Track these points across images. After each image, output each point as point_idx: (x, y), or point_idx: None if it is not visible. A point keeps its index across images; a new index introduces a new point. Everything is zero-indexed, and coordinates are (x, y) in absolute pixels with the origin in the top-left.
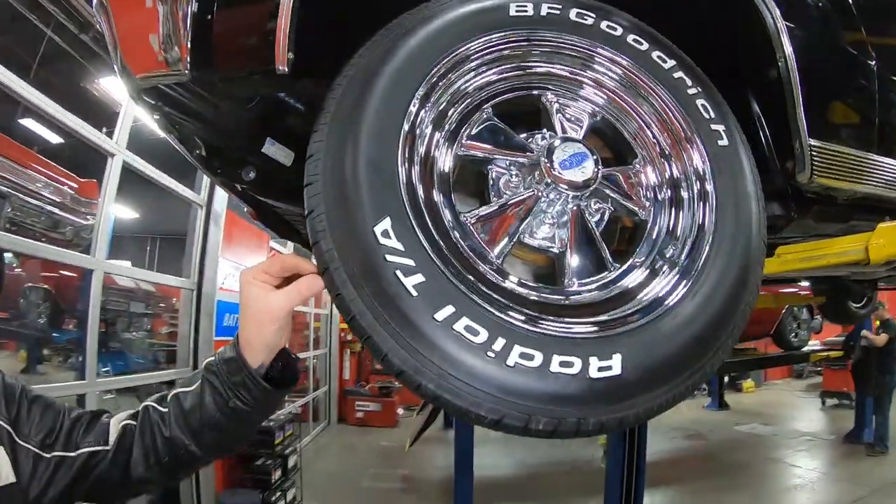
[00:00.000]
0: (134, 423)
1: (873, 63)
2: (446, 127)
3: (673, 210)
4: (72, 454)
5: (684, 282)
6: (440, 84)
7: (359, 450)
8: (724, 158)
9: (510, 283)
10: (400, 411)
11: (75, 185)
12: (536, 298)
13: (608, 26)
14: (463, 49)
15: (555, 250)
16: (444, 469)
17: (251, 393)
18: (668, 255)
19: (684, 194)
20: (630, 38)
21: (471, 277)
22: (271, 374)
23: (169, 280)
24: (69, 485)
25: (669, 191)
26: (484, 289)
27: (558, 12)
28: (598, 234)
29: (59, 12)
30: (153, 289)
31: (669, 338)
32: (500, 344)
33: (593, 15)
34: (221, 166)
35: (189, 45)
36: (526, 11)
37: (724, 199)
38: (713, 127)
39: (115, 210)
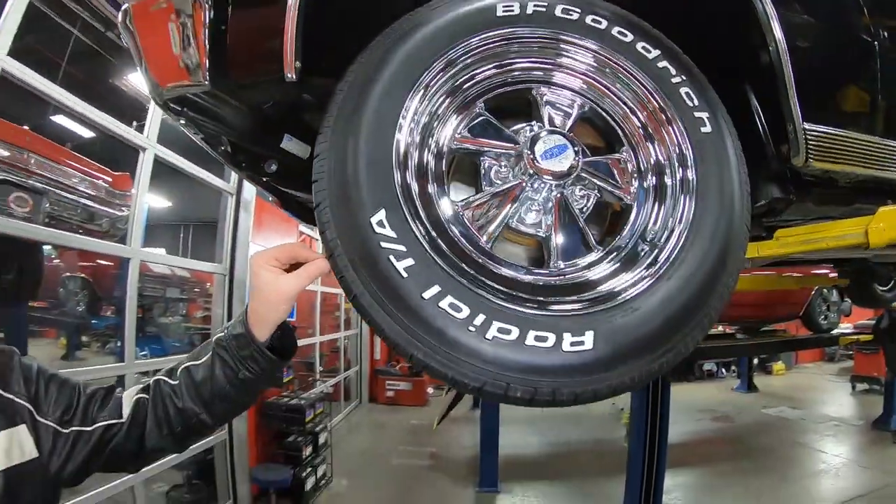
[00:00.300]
0: (146, 396)
1: (875, 43)
2: (439, 124)
3: (657, 195)
4: (88, 429)
5: (661, 264)
6: (432, 85)
7: (389, 428)
8: (706, 145)
9: (495, 265)
10: (430, 390)
11: (109, 179)
12: (520, 279)
13: (593, 20)
14: (454, 50)
15: (542, 234)
16: (471, 447)
17: (259, 364)
18: (649, 239)
19: (668, 180)
20: (615, 30)
21: (457, 260)
22: (273, 346)
23: (202, 266)
24: (87, 458)
25: (654, 177)
26: (469, 270)
27: (544, 9)
28: (581, 219)
29: (84, 11)
30: (188, 275)
31: (642, 317)
32: (480, 319)
33: (578, 10)
34: (245, 161)
35: (207, 58)
36: (512, 10)
37: (706, 184)
38: (696, 114)
39: (148, 200)
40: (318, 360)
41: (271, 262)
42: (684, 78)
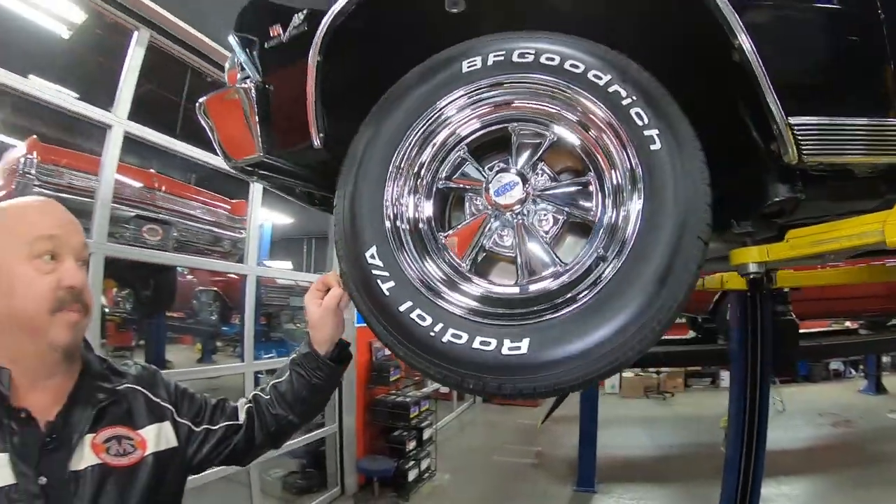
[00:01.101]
0: (252, 405)
1: (881, 14)
2: (425, 173)
3: (613, 210)
4: (214, 427)
5: (601, 283)
6: (414, 144)
7: (498, 427)
8: (655, 162)
9: (466, 284)
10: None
11: (228, 206)
12: (480, 293)
13: (547, 58)
14: (432, 109)
15: (511, 254)
16: (576, 448)
17: (324, 372)
18: (600, 255)
19: (623, 195)
20: (567, 64)
21: (429, 280)
22: (333, 357)
23: (312, 277)
24: (211, 451)
25: (612, 194)
26: (437, 287)
27: (502, 57)
28: (544, 239)
29: (196, 58)
30: (309, 285)
31: (577, 327)
32: (437, 327)
33: (532, 52)
34: (318, 199)
35: (258, 137)
36: (475, 65)
37: (653, 201)
38: (646, 133)
39: (271, 219)
40: None
41: (314, 294)
42: (634, 98)
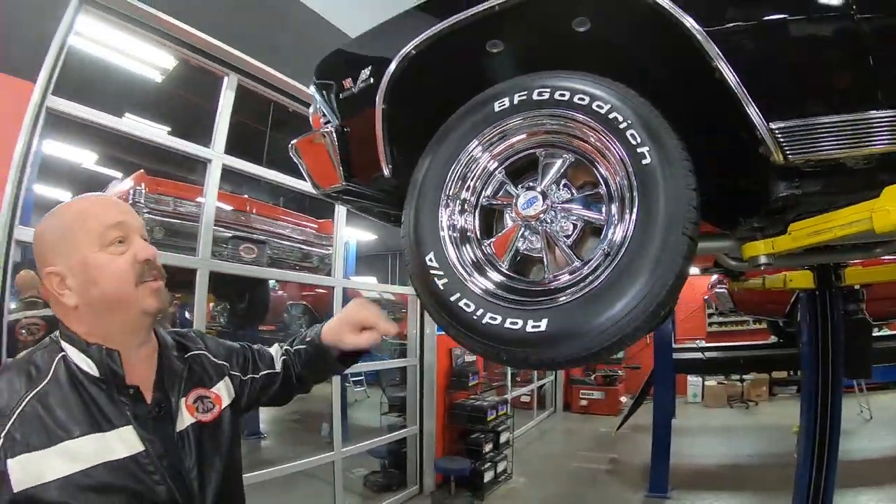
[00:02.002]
0: (286, 357)
1: (854, 14)
2: (469, 193)
3: (616, 217)
4: (257, 376)
5: (604, 273)
6: (461, 171)
7: (577, 434)
8: (647, 174)
9: (500, 277)
10: (623, 399)
11: (315, 226)
12: (511, 285)
13: (559, 94)
14: (473, 141)
15: (539, 255)
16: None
17: (320, 353)
18: (606, 251)
19: (624, 202)
20: (576, 98)
21: (475, 276)
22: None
23: (396, 289)
24: (256, 396)
25: (616, 202)
26: (480, 282)
27: (526, 96)
28: (562, 244)
29: (277, 95)
30: (394, 297)
31: (585, 310)
32: (479, 312)
33: (549, 89)
34: (392, 217)
35: (339, 169)
36: (506, 104)
37: (645, 205)
38: (639, 150)
39: (355, 236)
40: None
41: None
42: (630, 123)
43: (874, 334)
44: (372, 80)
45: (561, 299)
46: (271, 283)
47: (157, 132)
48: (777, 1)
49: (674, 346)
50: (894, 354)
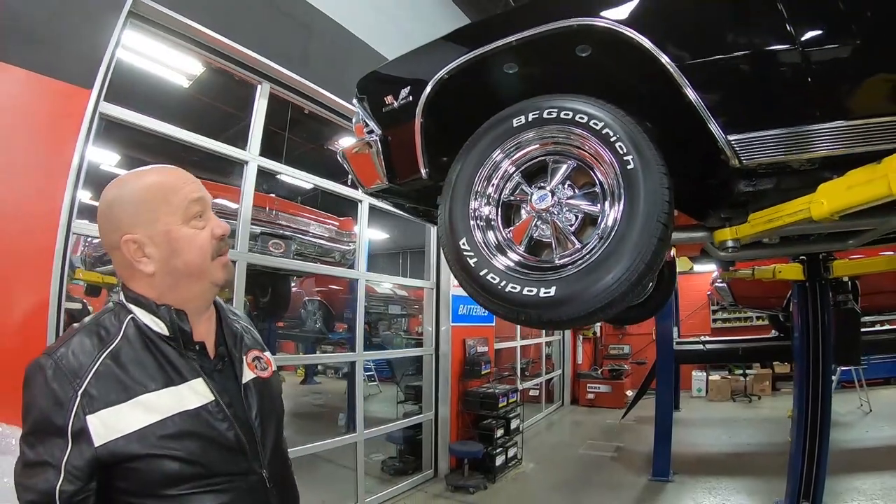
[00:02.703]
0: None
1: (794, 45)
2: (491, 191)
3: (608, 209)
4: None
5: (598, 252)
6: (487, 173)
7: (584, 426)
8: (629, 175)
9: (518, 257)
10: (629, 393)
11: (337, 223)
12: (527, 262)
13: (564, 113)
14: (497, 150)
15: (549, 241)
16: None
17: None
18: (599, 236)
19: (611, 198)
20: (577, 116)
21: (498, 256)
22: None
23: (413, 282)
24: None
25: (608, 198)
26: (502, 260)
27: (538, 114)
28: (569, 230)
29: (300, 99)
30: (406, 294)
31: (583, 279)
32: (503, 283)
33: (556, 109)
34: (422, 213)
35: (382, 171)
36: (522, 121)
37: (629, 200)
38: (625, 157)
39: (370, 235)
40: (519, 360)
41: None
42: (617, 135)
43: (877, 328)
44: (411, 97)
45: (565, 272)
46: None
47: (200, 137)
48: (734, 40)
49: (677, 340)
50: (876, 345)
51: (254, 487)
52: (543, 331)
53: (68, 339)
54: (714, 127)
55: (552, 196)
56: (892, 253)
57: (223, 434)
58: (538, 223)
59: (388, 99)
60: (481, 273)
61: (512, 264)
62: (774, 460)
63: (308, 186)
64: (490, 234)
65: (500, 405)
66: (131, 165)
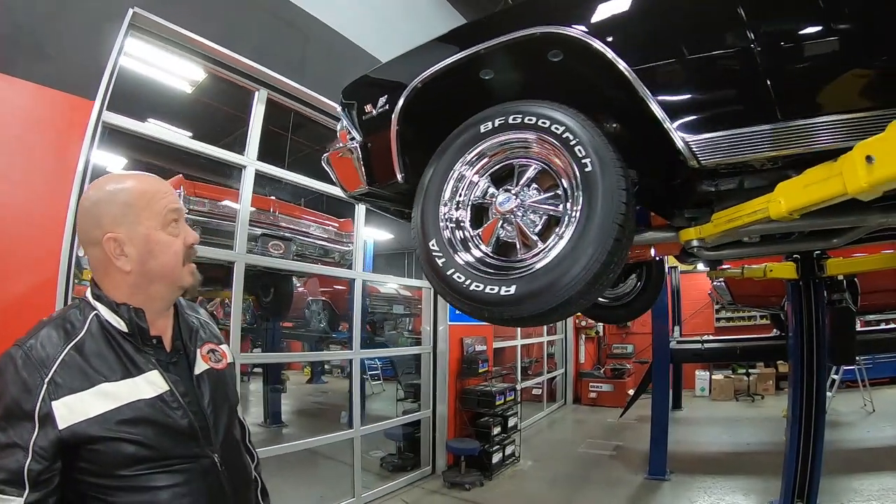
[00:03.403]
0: None
1: (752, 45)
2: (461, 195)
3: (569, 210)
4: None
5: (556, 252)
6: (456, 177)
7: (585, 424)
8: (587, 177)
9: (483, 257)
10: (631, 392)
11: (336, 224)
12: (491, 262)
13: (528, 119)
14: (466, 154)
15: (513, 240)
16: None
17: None
18: (559, 236)
19: (572, 200)
20: (540, 121)
21: (465, 257)
22: None
23: (411, 282)
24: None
25: (570, 200)
26: (468, 260)
27: (504, 120)
28: (530, 232)
29: (298, 105)
30: (410, 294)
31: (540, 278)
32: (467, 282)
33: (520, 114)
34: (405, 216)
35: (363, 176)
36: (489, 126)
37: (587, 202)
38: (583, 160)
39: (373, 236)
40: (519, 359)
41: None
42: (577, 140)
43: (882, 327)
44: (388, 106)
45: (525, 271)
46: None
47: (199, 143)
48: (690, 44)
49: (678, 339)
50: (871, 345)
51: (206, 469)
52: (545, 330)
53: (37, 331)
54: (671, 129)
55: (515, 198)
56: (892, 251)
57: (177, 421)
58: (504, 224)
59: (368, 108)
60: (448, 272)
61: (477, 264)
62: (773, 460)
63: (319, 191)
64: (458, 235)
65: (498, 403)
66: (138, 168)
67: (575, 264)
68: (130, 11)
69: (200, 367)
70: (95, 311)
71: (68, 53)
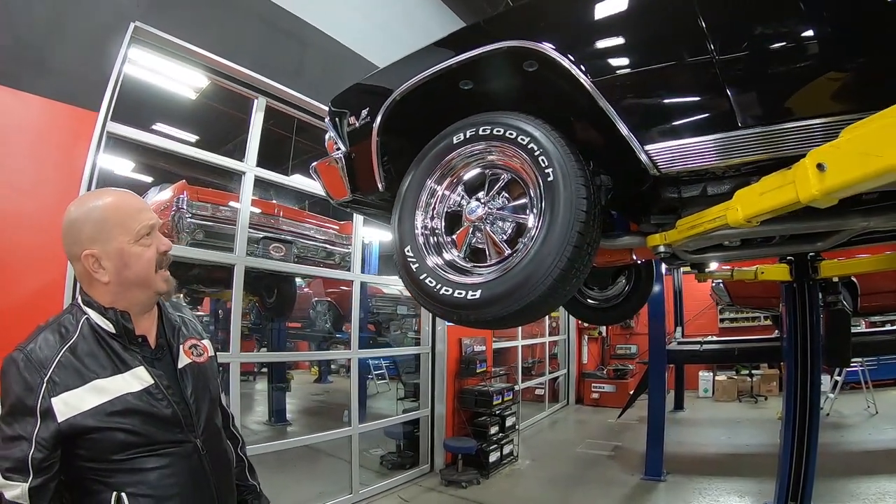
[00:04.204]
0: None
1: (710, 56)
2: (436, 202)
3: (532, 218)
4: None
5: (520, 258)
6: (431, 186)
7: (586, 425)
8: (549, 186)
9: (452, 260)
10: (632, 392)
11: (336, 227)
12: (460, 266)
13: (496, 129)
14: (442, 163)
15: (483, 247)
16: None
17: None
18: (524, 243)
19: (537, 209)
20: (507, 132)
21: (437, 262)
22: None
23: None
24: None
25: (534, 207)
26: (439, 265)
27: (475, 131)
28: (498, 239)
29: (297, 112)
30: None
31: (503, 283)
32: (438, 286)
33: (489, 126)
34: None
35: (347, 185)
36: (461, 137)
37: (549, 210)
38: (546, 170)
39: (378, 237)
40: (520, 359)
41: None
42: (541, 150)
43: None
44: (369, 118)
45: (490, 277)
46: (298, 281)
47: (199, 151)
48: (648, 52)
49: (679, 340)
50: (867, 347)
51: (189, 453)
52: (547, 330)
53: (35, 336)
54: (631, 138)
55: (484, 207)
56: (892, 252)
57: (161, 410)
58: (475, 231)
59: (352, 119)
60: (420, 277)
61: (447, 268)
62: (771, 461)
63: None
64: (432, 241)
65: (495, 403)
66: (146, 172)
67: (536, 270)
68: (132, 25)
69: (183, 361)
70: (86, 315)
71: (72, 67)
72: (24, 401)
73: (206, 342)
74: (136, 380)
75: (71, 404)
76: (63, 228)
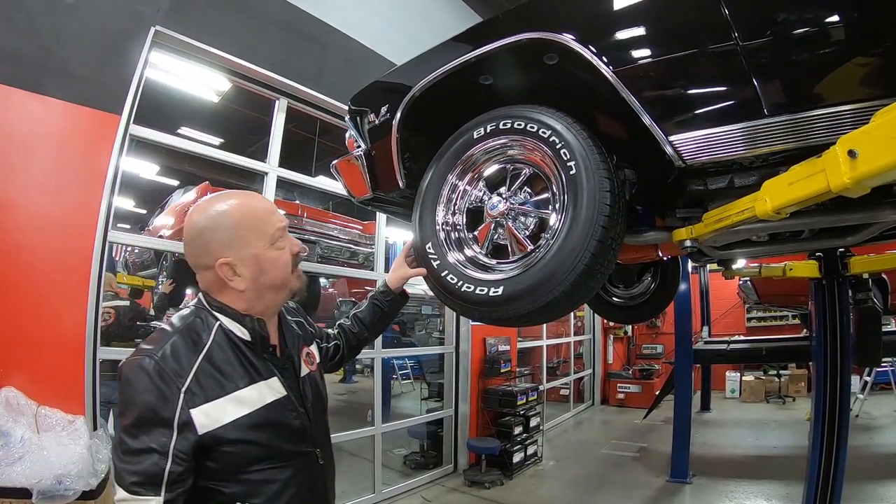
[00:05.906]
0: (338, 331)
1: (733, 43)
2: (457, 197)
3: (556, 213)
4: (328, 346)
5: (543, 254)
6: (453, 181)
7: (611, 425)
8: (572, 180)
9: (475, 257)
10: (657, 393)
11: (360, 227)
12: (482, 262)
13: (517, 123)
14: (463, 158)
15: (506, 243)
16: None
17: (392, 301)
18: (547, 239)
19: (560, 203)
20: (529, 126)
21: (458, 258)
22: (399, 293)
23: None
24: (325, 360)
25: (556, 202)
26: (461, 261)
27: (495, 125)
28: (521, 235)
29: (318, 112)
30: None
31: (526, 280)
32: (459, 283)
33: (510, 119)
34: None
35: (368, 183)
36: (482, 132)
37: (571, 204)
38: (568, 164)
39: (402, 237)
40: (544, 359)
41: (402, 258)
42: (563, 143)
43: None
44: (389, 115)
45: (512, 273)
46: (322, 281)
47: (221, 152)
48: (669, 43)
49: (706, 339)
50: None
51: (310, 463)
52: (572, 330)
53: (163, 341)
54: (654, 128)
55: (506, 202)
56: None
57: (292, 422)
58: (497, 227)
59: (372, 117)
60: (443, 274)
61: (469, 265)
62: (799, 464)
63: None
64: (453, 237)
65: (519, 403)
66: (171, 175)
67: (560, 266)
68: (152, 30)
69: (303, 370)
70: (219, 322)
71: (95, 72)
72: (159, 412)
73: (314, 348)
74: (271, 391)
75: (213, 416)
76: (187, 239)
